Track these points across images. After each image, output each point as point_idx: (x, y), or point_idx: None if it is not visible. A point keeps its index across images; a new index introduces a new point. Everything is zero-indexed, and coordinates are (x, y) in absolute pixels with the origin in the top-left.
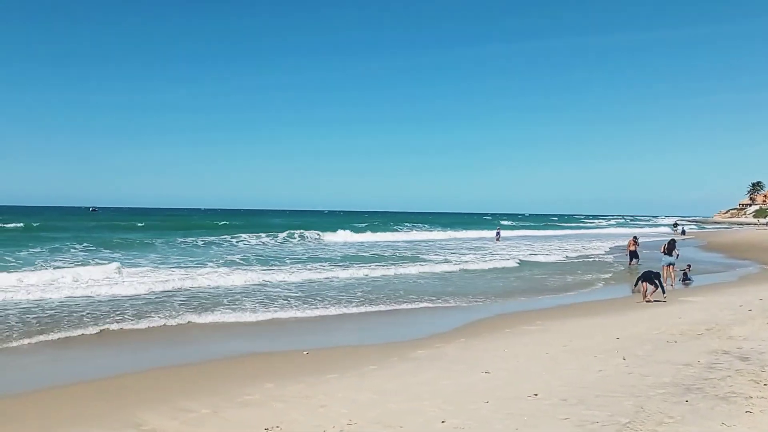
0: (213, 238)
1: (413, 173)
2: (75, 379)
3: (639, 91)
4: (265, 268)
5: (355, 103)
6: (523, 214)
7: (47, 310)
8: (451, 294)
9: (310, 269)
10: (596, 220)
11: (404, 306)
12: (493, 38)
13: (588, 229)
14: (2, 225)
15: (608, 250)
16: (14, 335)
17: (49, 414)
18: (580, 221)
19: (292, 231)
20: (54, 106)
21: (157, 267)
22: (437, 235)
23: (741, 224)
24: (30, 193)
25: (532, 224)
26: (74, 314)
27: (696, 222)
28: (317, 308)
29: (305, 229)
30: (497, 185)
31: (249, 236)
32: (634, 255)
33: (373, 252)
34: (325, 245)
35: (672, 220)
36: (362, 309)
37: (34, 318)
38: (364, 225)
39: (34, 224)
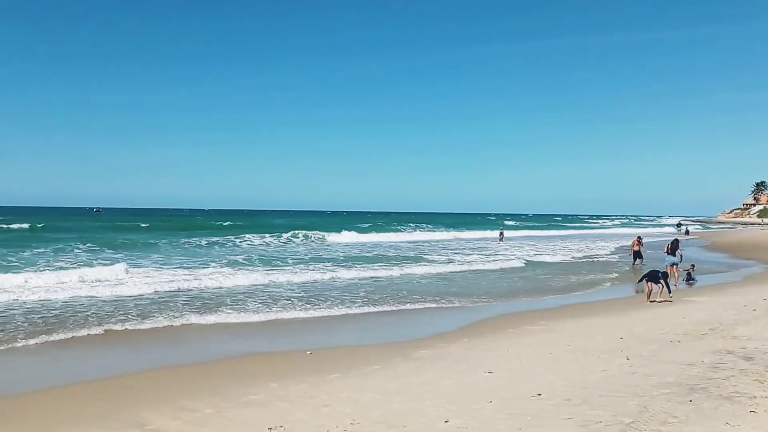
0: (216, 238)
1: (413, 173)
2: (78, 378)
3: (639, 91)
4: (268, 268)
5: (355, 103)
6: (526, 215)
7: (52, 310)
8: (455, 294)
9: (313, 269)
10: (600, 220)
11: (407, 306)
12: (493, 38)
13: (592, 229)
14: (7, 226)
15: (613, 250)
16: (20, 335)
17: (51, 414)
18: (584, 221)
19: (295, 231)
20: (54, 106)
21: (160, 267)
22: (440, 235)
23: (745, 224)
24: (34, 194)
25: (535, 224)
26: (79, 314)
27: (700, 222)
28: (320, 308)
29: (308, 230)
30: (500, 185)
31: (252, 237)
32: (637, 255)
33: (376, 252)
34: (328, 245)
35: (676, 220)
36: (365, 309)
37: (39, 318)
38: (367, 225)
39: (39, 225)
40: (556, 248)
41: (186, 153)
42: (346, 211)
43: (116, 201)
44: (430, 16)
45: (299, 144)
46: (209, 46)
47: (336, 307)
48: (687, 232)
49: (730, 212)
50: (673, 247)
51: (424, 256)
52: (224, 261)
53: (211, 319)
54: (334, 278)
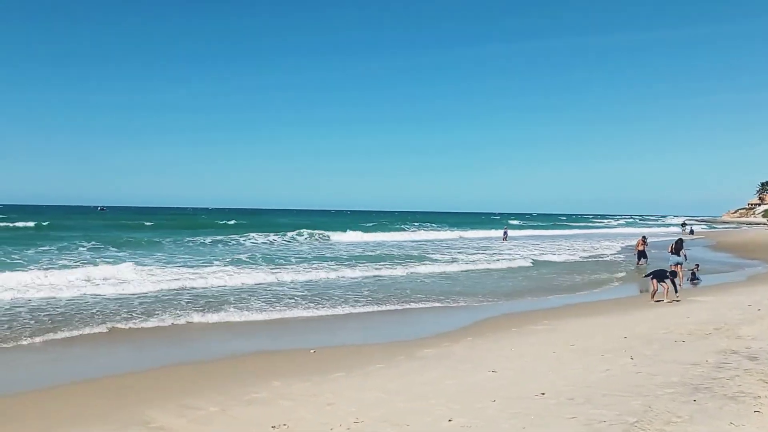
0: (221, 237)
1: (414, 173)
2: (82, 377)
3: (639, 91)
4: (272, 267)
5: (355, 103)
6: (531, 214)
7: (58, 308)
8: (459, 293)
9: (317, 268)
10: (605, 220)
11: (411, 305)
12: (493, 38)
13: (597, 229)
14: (13, 224)
15: (619, 250)
16: (25, 333)
17: (54, 412)
18: (589, 221)
19: (300, 230)
20: (54, 106)
21: (164, 266)
22: (445, 234)
23: (750, 224)
24: (40, 193)
25: (540, 224)
26: (84, 312)
27: (705, 222)
28: (324, 307)
29: (313, 229)
30: (502, 186)
31: (257, 235)
32: (642, 254)
33: (380, 251)
34: (332, 244)
35: (680, 220)
36: (369, 308)
37: (45, 315)
38: (371, 224)
39: (44, 223)
40: (561, 248)
41: (188, 153)
42: (349, 211)
43: (121, 200)
44: (430, 16)
45: (299, 144)
46: (209, 46)
47: (339, 306)
48: (692, 232)
49: (735, 212)
50: (677, 246)
51: (428, 255)
52: (228, 259)
53: (214, 317)
54: (337, 277)
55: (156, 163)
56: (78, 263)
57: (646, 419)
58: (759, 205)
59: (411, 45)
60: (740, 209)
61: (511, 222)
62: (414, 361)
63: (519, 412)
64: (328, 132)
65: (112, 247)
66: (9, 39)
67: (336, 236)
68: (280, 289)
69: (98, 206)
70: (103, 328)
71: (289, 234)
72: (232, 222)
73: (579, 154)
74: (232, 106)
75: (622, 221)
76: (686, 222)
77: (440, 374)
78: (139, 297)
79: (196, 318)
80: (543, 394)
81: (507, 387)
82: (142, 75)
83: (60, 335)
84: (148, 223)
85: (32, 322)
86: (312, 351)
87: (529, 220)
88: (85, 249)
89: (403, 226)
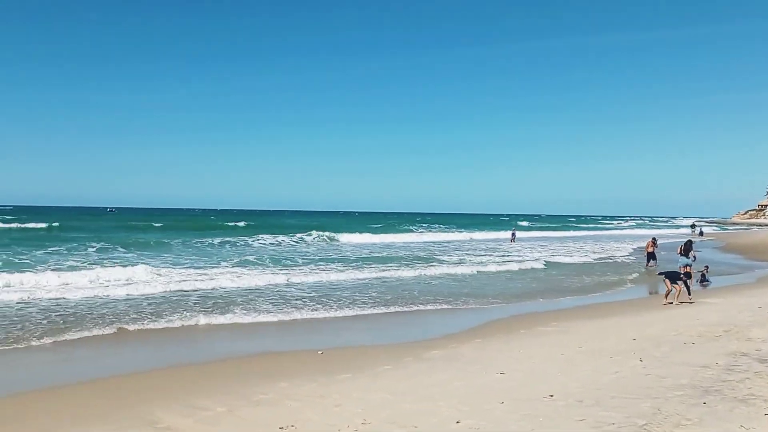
0: (229, 238)
1: (414, 173)
2: (90, 377)
3: (639, 91)
4: (280, 268)
5: (355, 103)
6: (540, 215)
7: (68, 308)
8: (467, 295)
9: (324, 269)
10: (615, 221)
11: (419, 307)
12: (493, 38)
13: (607, 230)
14: (24, 225)
15: (630, 251)
16: (36, 333)
17: (62, 412)
18: (599, 222)
19: (308, 231)
20: (55, 106)
21: (173, 267)
22: (453, 236)
23: (760, 225)
24: (51, 194)
25: (549, 225)
26: (94, 313)
27: (715, 223)
28: (331, 309)
29: (321, 230)
30: (506, 186)
31: (265, 237)
32: (651, 256)
33: (388, 253)
34: (340, 246)
35: (690, 221)
36: (376, 310)
37: (57, 316)
38: (379, 226)
39: (54, 224)
40: (571, 249)
41: (196, 154)
42: (358, 212)
43: (130, 201)
44: (430, 16)
45: (300, 144)
46: (209, 46)
47: (347, 308)
48: (701, 233)
49: (745, 213)
50: (687, 248)
51: (436, 257)
52: (236, 261)
53: (222, 318)
54: (345, 279)
55: (165, 164)
56: (87, 264)
57: (656, 422)
58: None
59: (411, 45)
60: (750, 210)
61: (520, 223)
62: (422, 363)
63: (528, 414)
64: (328, 132)
65: (121, 247)
66: (9, 39)
67: (344, 237)
68: (288, 290)
69: (108, 207)
70: (111, 329)
71: (298, 235)
72: (242, 223)
73: (580, 154)
74: (232, 106)
75: (632, 222)
76: (696, 223)
77: (448, 376)
78: (147, 298)
79: (203, 319)
80: (552, 396)
81: (515, 389)
82: (142, 75)
83: (70, 336)
84: (157, 225)
85: (44, 322)
86: (319, 352)
87: (538, 221)
88: (93, 250)
89: (410, 228)
